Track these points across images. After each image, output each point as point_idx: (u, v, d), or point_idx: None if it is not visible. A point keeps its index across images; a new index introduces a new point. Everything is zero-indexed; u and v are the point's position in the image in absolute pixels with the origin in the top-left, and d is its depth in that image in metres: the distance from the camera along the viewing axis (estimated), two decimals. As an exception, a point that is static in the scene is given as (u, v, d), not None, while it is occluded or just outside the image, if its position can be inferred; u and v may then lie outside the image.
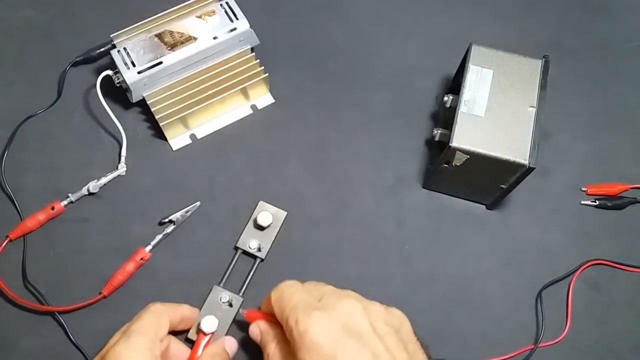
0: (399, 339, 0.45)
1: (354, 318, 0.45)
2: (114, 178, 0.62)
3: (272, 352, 0.49)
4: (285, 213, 0.61)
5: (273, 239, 0.60)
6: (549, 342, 0.58)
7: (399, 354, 0.44)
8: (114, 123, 0.62)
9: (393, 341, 0.45)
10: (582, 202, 0.64)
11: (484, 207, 0.64)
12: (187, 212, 0.61)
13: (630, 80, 0.72)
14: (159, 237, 0.60)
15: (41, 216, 0.59)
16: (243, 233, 0.60)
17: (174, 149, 0.65)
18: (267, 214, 0.60)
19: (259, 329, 0.51)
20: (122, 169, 0.63)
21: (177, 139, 0.65)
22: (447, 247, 0.62)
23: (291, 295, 0.47)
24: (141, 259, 0.58)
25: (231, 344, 0.54)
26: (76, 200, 0.61)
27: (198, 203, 0.62)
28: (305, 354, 0.43)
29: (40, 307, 0.56)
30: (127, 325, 0.50)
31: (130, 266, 0.58)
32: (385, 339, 0.44)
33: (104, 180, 0.62)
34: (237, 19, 0.64)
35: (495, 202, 0.62)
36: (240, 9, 0.64)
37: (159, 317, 0.50)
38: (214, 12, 0.64)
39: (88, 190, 0.61)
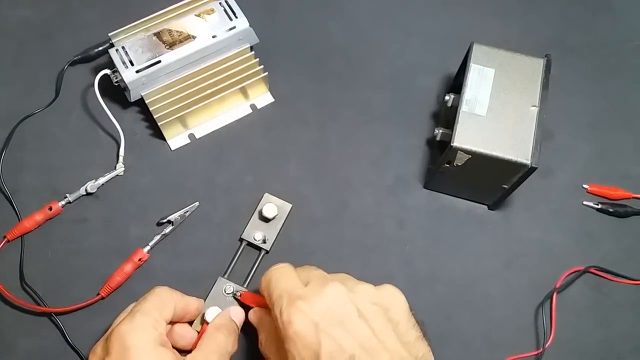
0: (387, 319, 0.45)
1: (339, 303, 0.44)
2: (112, 178, 0.62)
3: (264, 341, 0.50)
4: (290, 205, 0.61)
5: (278, 231, 0.60)
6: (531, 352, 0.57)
7: (386, 336, 0.44)
8: (112, 123, 0.62)
9: (380, 322, 0.44)
10: (585, 202, 0.64)
11: (485, 207, 0.63)
12: (185, 212, 0.61)
13: (633, 79, 0.71)
14: (157, 237, 0.59)
15: (39, 216, 0.59)
16: (248, 224, 0.60)
17: (172, 148, 0.64)
18: (273, 205, 0.60)
19: (255, 316, 0.52)
20: (120, 169, 0.62)
21: (176, 138, 0.65)
22: (448, 248, 0.62)
23: (277, 282, 0.47)
24: (139, 259, 0.58)
25: (238, 313, 0.54)
26: (74, 201, 0.61)
27: (197, 203, 0.61)
28: (290, 345, 0.44)
29: (37, 308, 0.56)
30: (132, 306, 0.50)
31: (128, 267, 0.57)
32: (372, 321, 0.44)
33: (101, 180, 0.61)
34: (236, 17, 0.63)
35: (497, 202, 0.62)
36: (240, 8, 0.64)
37: (164, 299, 0.50)
38: (213, 10, 0.64)
39: (86, 190, 0.61)
